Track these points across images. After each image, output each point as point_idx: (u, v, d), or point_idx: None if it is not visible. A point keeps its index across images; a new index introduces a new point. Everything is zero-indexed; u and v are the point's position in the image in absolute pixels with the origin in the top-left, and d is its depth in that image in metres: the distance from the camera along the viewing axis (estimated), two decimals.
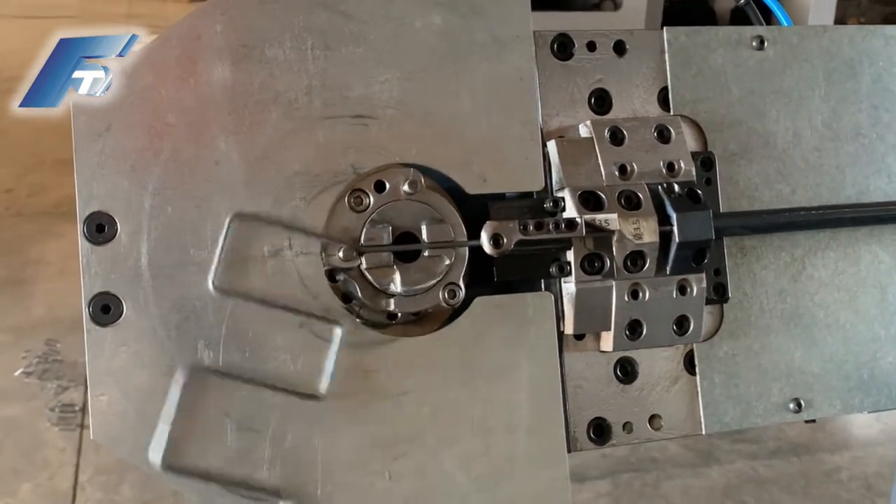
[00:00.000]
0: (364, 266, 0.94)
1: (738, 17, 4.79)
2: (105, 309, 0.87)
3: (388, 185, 0.96)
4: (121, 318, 0.88)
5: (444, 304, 0.96)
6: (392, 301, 0.96)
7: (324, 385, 0.92)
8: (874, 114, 1.14)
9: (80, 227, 0.87)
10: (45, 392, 3.74)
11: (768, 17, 1.38)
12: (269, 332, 0.91)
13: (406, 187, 0.95)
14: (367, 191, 0.95)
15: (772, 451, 3.52)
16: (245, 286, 0.91)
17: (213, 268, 0.90)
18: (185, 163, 0.89)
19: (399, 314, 0.97)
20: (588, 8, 4.39)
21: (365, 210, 0.95)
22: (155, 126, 0.89)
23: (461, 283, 0.97)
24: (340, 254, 0.92)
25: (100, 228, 0.87)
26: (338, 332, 0.93)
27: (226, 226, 0.89)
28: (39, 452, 3.40)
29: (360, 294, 0.95)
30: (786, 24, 1.29)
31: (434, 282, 0.96)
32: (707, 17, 4.84)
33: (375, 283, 0.95)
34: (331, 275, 0.94)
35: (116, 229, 0.88)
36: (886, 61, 1.15)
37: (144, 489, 3.22)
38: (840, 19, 5.39)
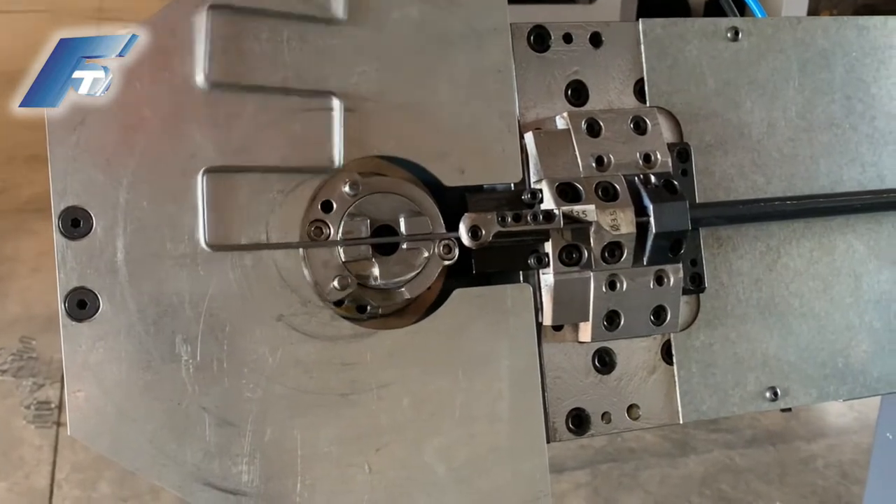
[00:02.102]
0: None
1: (712, 10, 4.81)
2: (81, 304, 0.87)
3: (334, 204, 0.95)
4: (97, 314, 0.87)
5: (441, 260, 0.97)
6: (404, 290, 0.97)
7: (302, 378, 0.92)
8: (847, 104, 1.15)
9: (55, 221, 0.86)
10: (21, 390, 3.70)
11: (742, 9, 1.38)
12: (247, 326, 0.91)
13: (347, 189, 0.95)
14: (323, 220, 0.94)
15: (748, 440, 3.55)
16: (222, 279, 0.90)
17: (190, 261, 0.89)
18: (161, 156, 0.89)
19: (414, 297, 0.98)
20: (563, 1, 4.39)
21: (328, 238, 0.94)
22: (130, 119, 0.88)
23: (454, 242, 0.97)
24: (336, 284, 0.94)
25: (75, 223, 0.87)
26: (316, 325, 0.93)
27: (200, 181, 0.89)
28: (15, 451, 3.37)
29: (373, 302, 0.97)
30: (760, 15, 1.30)
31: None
32: (681, 10, 4.85)
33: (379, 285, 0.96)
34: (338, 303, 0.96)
35: (92, 224, 0.87)
36: (859, 52, 1.16)
37: (122, 486, 3.20)
38: (813, 10, 5.43)
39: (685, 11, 4.84)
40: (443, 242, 0.97)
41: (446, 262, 0.97)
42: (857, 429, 3.59)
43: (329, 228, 0.94)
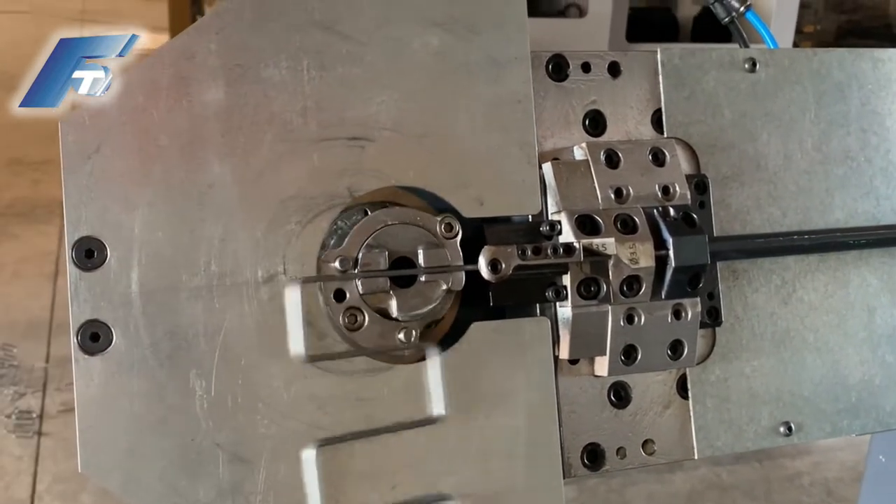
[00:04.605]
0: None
1: (700, 26, 4.82)
2: (94, 337, 0.84)
3: (347, 294, 0.92)
4: (110, 347, 0.85)
5: (443, 237, 0.95)
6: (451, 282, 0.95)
7: (317, 414, 0.90)
8: (862, 137, 1.15)
9: (68, 252, 0.84)
10: (2, 398, 3.65)
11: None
12: (262, 360, 0.89)
13: (337, 265, 0.92)
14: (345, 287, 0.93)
15: (734, 457, 3.55)
16: (238, 312, 0.88)
17: (206, 294, 0.87)
18: (178, 186, 0.87)
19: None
20: (553, 14, 4.39)
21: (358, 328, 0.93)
22: (146, 148, 0.86)
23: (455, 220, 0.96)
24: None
25: (89, 254, 0.84)
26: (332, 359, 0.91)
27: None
28: None
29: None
30: (771, 45, 1.29)
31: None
32: (670, 25, 4.87)
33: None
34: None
35: (106, 255, 0.85)
36: (874, 84, 1.16)
37: (104, 498, 3.16)
38: (797, 27, 5.46)
39: (674, 27, 4.85)
40: (444, 221, 0.95)
41: (449, 238, 0.95)
42: (843, 446, 3.61)
43: (364, 315, 0.93)
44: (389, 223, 0.93)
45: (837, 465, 3.53)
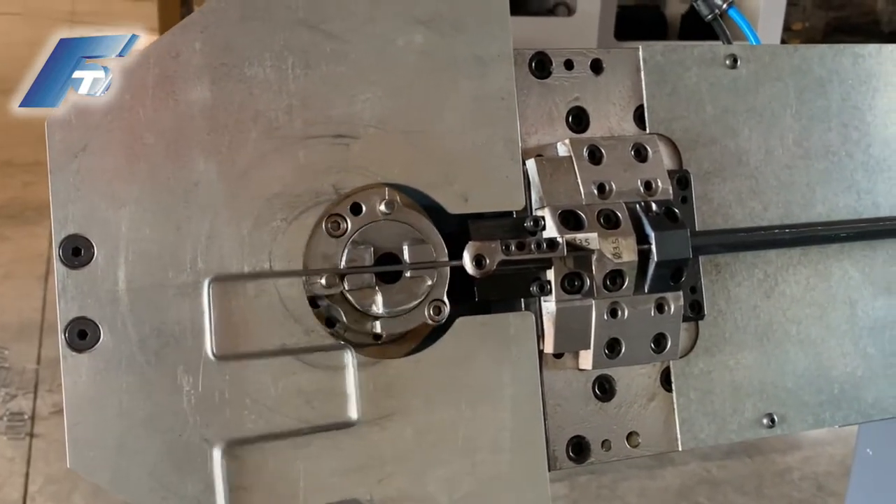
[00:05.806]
0: (346, 288, 0.93)
1: (689, 24, 4.84)
2: (82, 334, 0.85)
3: (364, 208, 0.95)
4: (98, 344, 0.85)
5: (429, 321, 0.96)
6: (378, 323, 0.95)
7: (304, 408, 0.91)
8: (843, 132, 1.16)
9: (55, 250, 0.85)
10: None
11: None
12: (249, 356, 0.90)
13: (383, 207, 0.95)
14: (344, 214, 0.94)
15: (725, 452, 3.57)
16: (226, 308, 0.89)
17: (192, 290, 0.88)
18: (164, 184, 0.87)
19: (384, 335, 0.96)
20: (542, 13, 4.40)
21: (343, 234, 0.94)
22: (132, 146, 0.87)
23: (445, 300, 0.96)
24: (322, 281, 0.92)
25: (76, 252, 0.85)
26: (318, 354, 0.92)
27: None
28: None
29: (344, 318, 0.94)
30: (753, 41, 1.30)
31: (417, 301, 0.95)
32: (658, 23, 4.88)
33: (358, 306, 0.94)
34: (313, 301, 0.93)
35: (93, 252, 0.86)
36: (855, 80, 1.17)
37: (96, 499, 3.16)
38: (786, 24, 5.48)
39: (662, 25, 4.86)
40: (433, 304, 0.96)
41: (432, 323, 0.96)
42: (832, 441, 3.63)
43: (347, 222, 0.94)
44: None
45: (827, 460, 3.55)
